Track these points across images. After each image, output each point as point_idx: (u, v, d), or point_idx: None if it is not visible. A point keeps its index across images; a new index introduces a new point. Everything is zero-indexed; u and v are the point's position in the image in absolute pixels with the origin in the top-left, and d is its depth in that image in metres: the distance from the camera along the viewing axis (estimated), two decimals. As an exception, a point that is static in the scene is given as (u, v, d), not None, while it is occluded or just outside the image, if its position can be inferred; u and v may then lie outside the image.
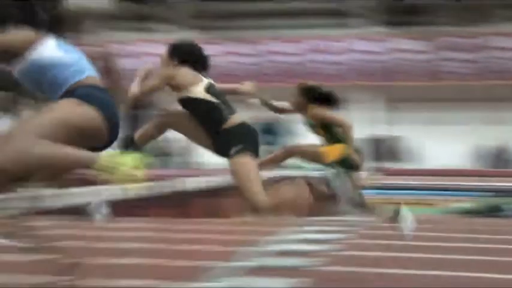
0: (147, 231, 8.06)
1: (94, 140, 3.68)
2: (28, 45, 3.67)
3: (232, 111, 5.03)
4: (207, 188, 6.88)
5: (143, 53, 23.79)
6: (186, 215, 7.77)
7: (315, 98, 7.11)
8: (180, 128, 5.25)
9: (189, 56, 5.17)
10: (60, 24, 4.00)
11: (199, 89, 4.96)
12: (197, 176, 10.35)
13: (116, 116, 3.78)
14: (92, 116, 3.58)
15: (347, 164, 7.32)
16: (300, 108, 7.24)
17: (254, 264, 7.17)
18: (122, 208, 5.85)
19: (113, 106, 3.77)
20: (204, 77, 5.12)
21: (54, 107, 3.61)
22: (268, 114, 9.96)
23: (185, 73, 5.03)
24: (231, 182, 7.70)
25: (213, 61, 19.84)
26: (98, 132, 3.66)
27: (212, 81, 5.16)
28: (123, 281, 6.24)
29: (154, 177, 7.17)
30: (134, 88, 5.08)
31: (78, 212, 5.63)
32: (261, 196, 4.80)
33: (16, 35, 3.71)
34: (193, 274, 6.32)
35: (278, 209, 5.04)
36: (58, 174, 4.00)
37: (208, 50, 18.76)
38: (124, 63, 20.45)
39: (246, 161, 4.83)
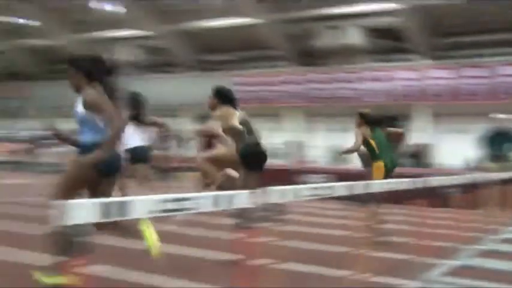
0: (407, 216, 7.99)
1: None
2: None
3: (250, 133, 5.78)
4: (455, 183, 6.65)
5: (391, 78, 23.66)
6: (438, 205, 7.55)
7: (366, 120, 7.38)
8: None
9: (225, 97, 5.93)
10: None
11: (235, 122, 5.73)
12: (440, 174, 10.08)
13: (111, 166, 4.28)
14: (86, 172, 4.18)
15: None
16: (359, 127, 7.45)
17: (488, 248, 6.82)
18: (389, 197, 5.89)
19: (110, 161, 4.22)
20: (237, 109, 5.93)
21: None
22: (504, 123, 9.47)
23: (228, 112, 5.81)
24: (474, 180, 7.38)
25: (447, 83, 19.07)
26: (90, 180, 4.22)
27: (243, 114, 5.92)
28: (387, 254, 6.23)
29: (410, 174, 7.09)
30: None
31: (362, 199, 5.70)
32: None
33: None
34: (439, 253, 6.15)
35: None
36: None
37: (442, 74, 18.26)
38: (376, 86, 20.32)
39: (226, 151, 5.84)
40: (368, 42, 24.42)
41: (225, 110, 5.82)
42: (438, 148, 22.21)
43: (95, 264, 4.89)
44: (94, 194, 4.27)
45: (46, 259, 4.34)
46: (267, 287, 3.38)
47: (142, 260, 5.68)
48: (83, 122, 4.30)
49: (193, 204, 2.86)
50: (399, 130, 7.85)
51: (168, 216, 2.79)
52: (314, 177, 14.29)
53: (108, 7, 27.01)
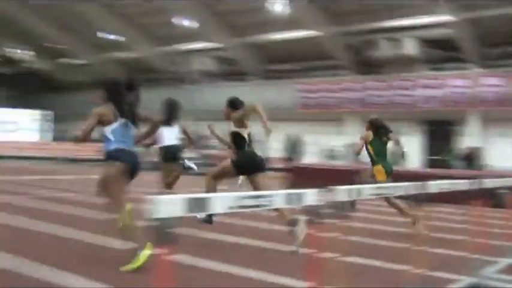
0: (462, 215, 7.74)
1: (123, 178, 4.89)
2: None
3: (250, 144, 6.24)
4: (508, 185, 6.38)
5: (444, 85, 23.11)
6: (491, 206, 7.25)
7: (373, 126, 7.60)
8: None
9: (237, 106, 6.38)
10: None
11: (246, 133, 6.21)
12: (492, 175, 9.69)
13: (133, 162, 4.94)
14: (116, 169, 4.84)
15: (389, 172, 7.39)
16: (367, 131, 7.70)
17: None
18: (446, 197, 5.72)
19: (132, 157, 4.97)
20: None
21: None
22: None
23: (245, 118, 6.23)
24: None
25: (497, 90, 18.49)
26: (121, 174, 4.84)
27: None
28: (444, 250, 6.05)
29: (463, 176, 6.85)
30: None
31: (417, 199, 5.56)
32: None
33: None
34: (494, 251, 5.91)
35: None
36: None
37: (492, 81, 17.72)
38: (430, 93, 19.81)
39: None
40: (422, 52, 23.87)
41: (242, 117, 6.26)
42: (489, 151, 21.48)
43: (179, 254, 4.97)
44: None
45: (132, 245, 4.48)
46: (333, 278, 3.36)
47: (220, 250, 5.75)
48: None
49: (268, 201, 2.86)
50: (394, 136, 7.94)
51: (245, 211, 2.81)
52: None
53: (186, 22, 27.53)
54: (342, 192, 3.45)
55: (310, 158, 22.02)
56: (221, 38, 28.63)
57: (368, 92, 25.08)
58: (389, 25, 23.80)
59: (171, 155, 7.80)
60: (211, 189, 6.20)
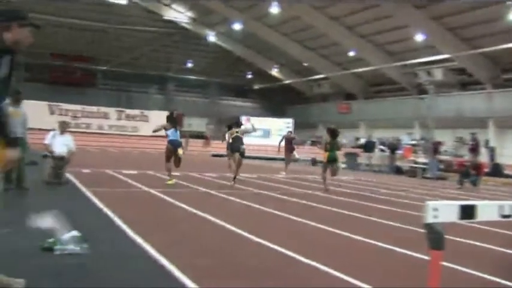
0: None
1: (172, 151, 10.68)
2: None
3: (239, 140, 11.22)
4: None
5: None
6: None
7: (328, 131, 11.57)
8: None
9: (236, 123, 11.77)
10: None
11: (234, 134, 11.27)
12: None
13: (174, 144, 10.61)
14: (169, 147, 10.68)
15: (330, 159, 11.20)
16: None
17: None
18: None
19: (175, 142, 10.69)
20: (240, 127, 11.66)
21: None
22: None
23: (233, 130, 11.30)
24: None
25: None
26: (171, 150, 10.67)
27: (241, 130, 11.56)
28: None
29: None
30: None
31: None
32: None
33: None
34: None
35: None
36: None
37: None
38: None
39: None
40: None
41: (232, 130, 11.27)
42: None
43: (447, 261, 4.34)
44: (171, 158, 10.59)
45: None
46: None
47: (483, 259, 4.97)
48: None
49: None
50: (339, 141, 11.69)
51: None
52: None
53: (418, 37, 26.30)
54: None
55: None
56: (451, 50, 26.85)
57: None
58: None
59: (235, 148, 11.65)
60: (231, 166, 11.22)
